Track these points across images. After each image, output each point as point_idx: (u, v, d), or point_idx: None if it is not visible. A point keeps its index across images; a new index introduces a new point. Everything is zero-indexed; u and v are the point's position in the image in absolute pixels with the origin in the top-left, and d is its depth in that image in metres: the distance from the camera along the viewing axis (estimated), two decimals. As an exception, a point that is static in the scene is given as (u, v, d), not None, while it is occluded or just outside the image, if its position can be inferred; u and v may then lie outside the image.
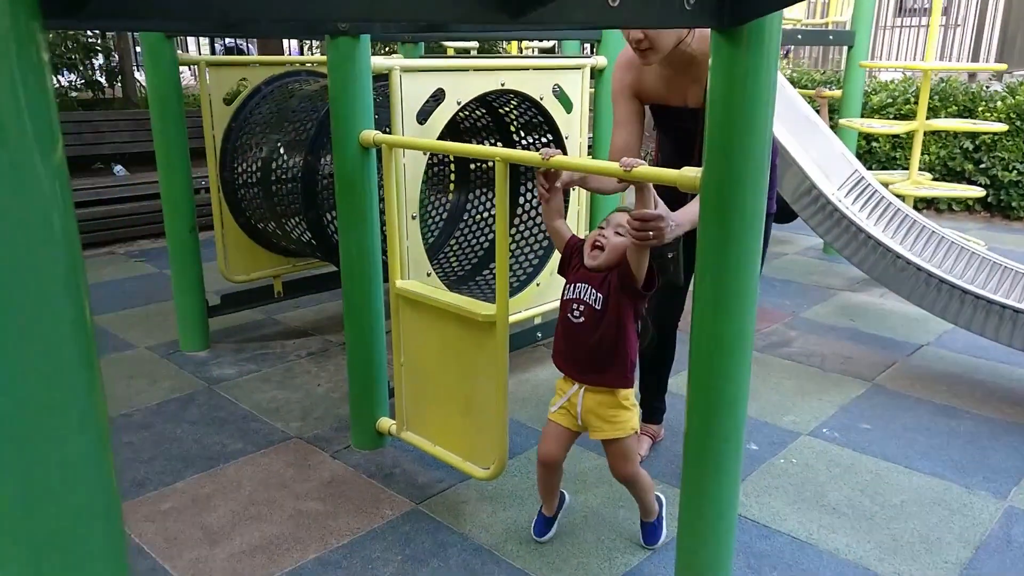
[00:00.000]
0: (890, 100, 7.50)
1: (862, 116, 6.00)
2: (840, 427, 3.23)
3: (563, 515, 2.62)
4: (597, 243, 2.25)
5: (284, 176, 3.82)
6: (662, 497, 2.50)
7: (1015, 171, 6.87)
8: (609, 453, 2.34)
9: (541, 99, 3.48)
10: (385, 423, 3.02)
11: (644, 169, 2.03)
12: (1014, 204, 6.94)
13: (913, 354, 4.02)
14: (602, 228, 2.27)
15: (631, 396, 2.32)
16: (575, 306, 2.27)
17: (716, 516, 2.04)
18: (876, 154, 7.55)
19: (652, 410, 3.09)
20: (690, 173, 1.92)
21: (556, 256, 3.66)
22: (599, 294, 2.23)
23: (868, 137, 7.40)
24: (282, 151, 3.88)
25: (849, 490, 2.78)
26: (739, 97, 1.78)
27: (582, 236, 2.42)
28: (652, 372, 3.04)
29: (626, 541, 2.50)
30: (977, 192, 4.94)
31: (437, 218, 4.35)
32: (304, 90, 4.13)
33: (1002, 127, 4.88)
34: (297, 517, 2.64)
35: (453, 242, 4.24)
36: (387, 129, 2.95)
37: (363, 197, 2.84)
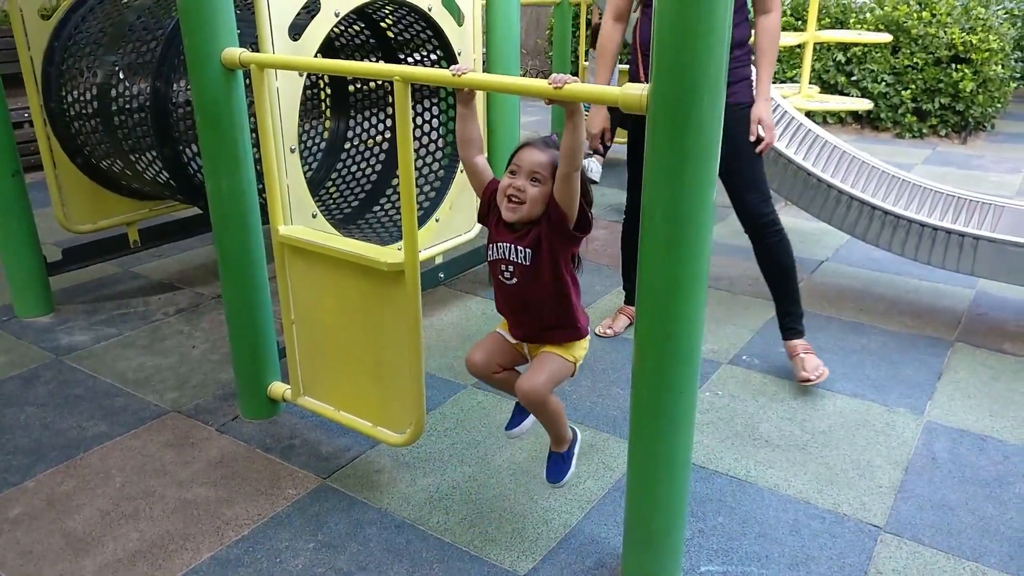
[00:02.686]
0: (767, 12, 7.47)
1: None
2: (759, 353, 3.16)
3: (490, 476, 2.40)
4: (514, 197, 1.90)
5: (129, 105, 3.22)
6: (577, 431, 2.24)
7: (883, 83, 7.06)
8: (535, 362, 2.05)
9: (430, 10, 3.07)
10: (278, 388, 2.66)
11: (577, 87, 1.73)
12: (883, 115, 7.17)
13: (815, 271, 4.03)
14: (513, 175, 1.91)
15: (586, 342, 2.10)
16: (503, 267, 1.98)
17: (668, 476, 1.86)
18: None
19: (631, 293, 3.21)
20: (634, 91, 1.64)
21: (456, 187, 3.33)
22: (526, 249, 1.93)
23: (747, 51, 7.37)
24: (121, 76, 3.27)
25: (778, 420, 2.71)
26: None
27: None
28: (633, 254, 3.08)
29: (562, 499, 2.31)
30: (866, 104, 4.98)
31: (314, 149, 3.88)
32: (141, 1, 3.48)
33: (887, 37, 4.90)
34: (184, 509, 2.27)
35: (336, 175, 3.80)
36: (253, 47, 2.47)
37: (231, 129, 2.38)
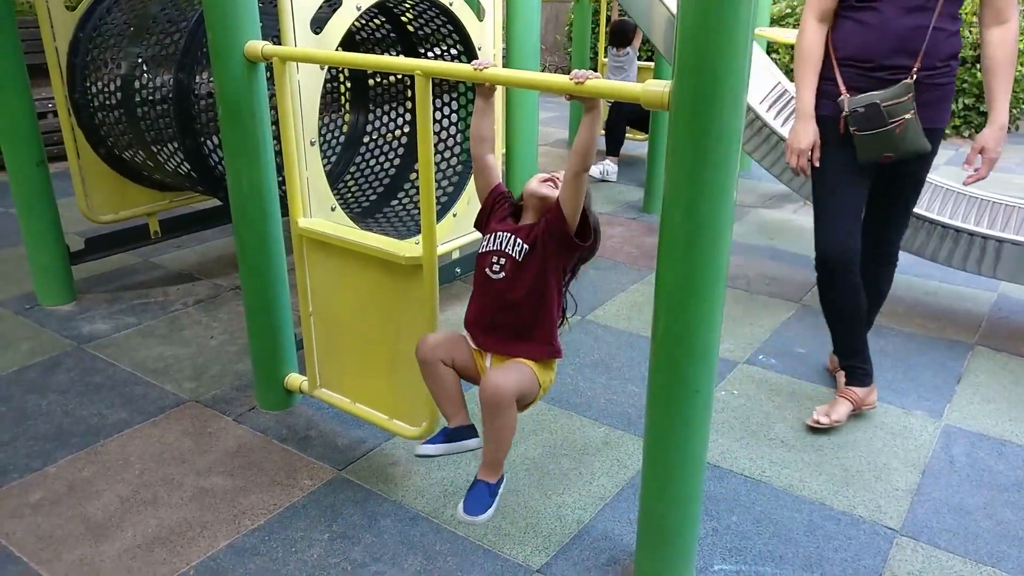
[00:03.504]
0: (789, 10, 7.41)
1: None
2: (776, 353, 3.15)
3: (505, 471, 2.39)
4: (549, 182, 1.91)
5: (152, 97, 3.26)
6: (505, 476, 2.02)
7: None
8: (505, 364, 1.92)
9: (451, 4, 3.08)
10: (295, 380, 2.68)
11: (598, 83, 1.72)
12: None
13: (834, 271, 4.00)
14: (555, 173, 1.94)
15: (554, 369, 2.03)
16: (495, 259, 1.91)
17: (683, 474, 1.86)
18: (776, 65, 7.49)
19: (854, 371, 2.68)
20: (656, 87, 1.64)
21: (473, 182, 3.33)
22: (523, 243, 1.88)
23: (768, 48, 7.31)
24: (145, 67, 3.31)
25: (794, 420, 2.69)
26: (717, -5, 1.50)
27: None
28: (852, 323, 2.64)
29: (576, 495, 2.31)
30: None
31: (333, 142, 3.90)
32: (166, -7, 3.51)
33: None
34: (201, 497, 2.30)
35: (354, 169, 3.82)
36: (275, 40, 2.49)
37: (252, 121, 2.40)
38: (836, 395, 2.70)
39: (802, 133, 2.48)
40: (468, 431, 2.00)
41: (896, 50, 2.36)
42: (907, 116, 2.33)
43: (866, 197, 2.57)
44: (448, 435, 1.99)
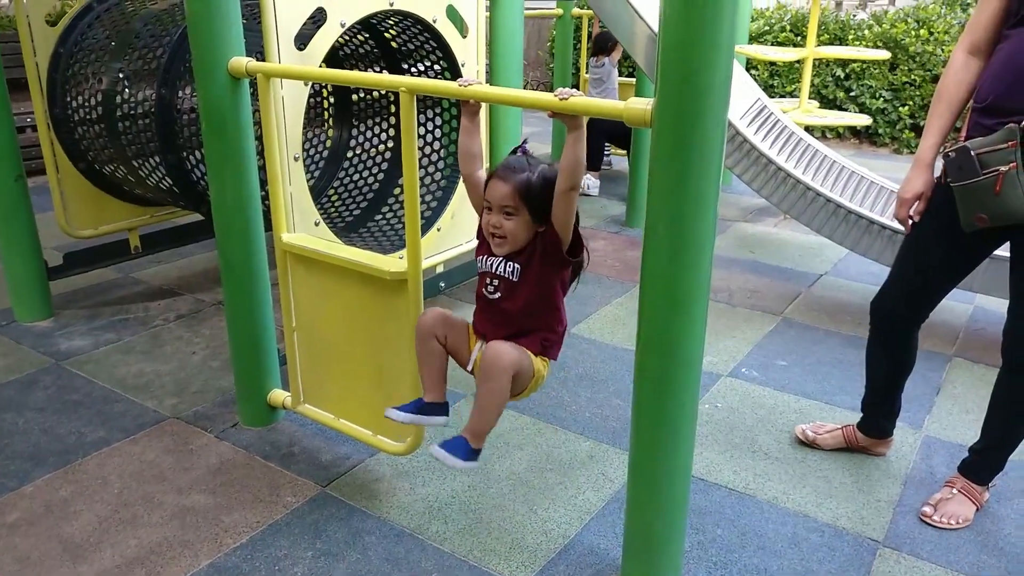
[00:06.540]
0: (767, 27, 7.53)
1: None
2: (758, 365, 3.17)
3: (489, 486, 2.40)
4: (496, 233, 1.89)
5: (133, 111, 3.24)
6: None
7: (881, 99, 7.11)
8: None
9: (434, 21, 3.09)
10: (278, 396, 2.66)
11: (581, 100, 1.74)
12: (880, 131, 7.21)
13: (814, 284, 4.05)
14: (489, 211, 1.90)
15: (546, 368, 2.02)
16: (489, 280, 1.95)
17: (668, 486, 1.87)
18: (756, 82, 7.60)
19: (875, 425, 2.54)
20: (639, 105, 1.66)
21: (458, 197, 3.34)
22: (515, 264, 1.91)
23: (748, 65, 7.42)
24: (127, 82, 3.29)
25: (777, 432, 2.71)
26: (699, 12, 1.52)
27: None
28: (883, 377, 2.48)
29: (561, 509, 2.31)
30: (864, 120, 5.03)
31: (317, 157, 3.90)
32: (148, 10, 3.51)
33: (885, 54, 4.95)
34: (182, 516, 2.26)
35: (337, 183, 3.81)
36: (259, 56, 2.49)
37: (237, 137, 2.39)
38: (837, 427, 2.62)
39: (908, 181, 2.21)
40: (440, 408, 2.03)
41: (1017, 88, 1.95)
42: (1004, 168, 1.93)
43: (949, 270, 2.31)
44: (420, 408, 2.03)
